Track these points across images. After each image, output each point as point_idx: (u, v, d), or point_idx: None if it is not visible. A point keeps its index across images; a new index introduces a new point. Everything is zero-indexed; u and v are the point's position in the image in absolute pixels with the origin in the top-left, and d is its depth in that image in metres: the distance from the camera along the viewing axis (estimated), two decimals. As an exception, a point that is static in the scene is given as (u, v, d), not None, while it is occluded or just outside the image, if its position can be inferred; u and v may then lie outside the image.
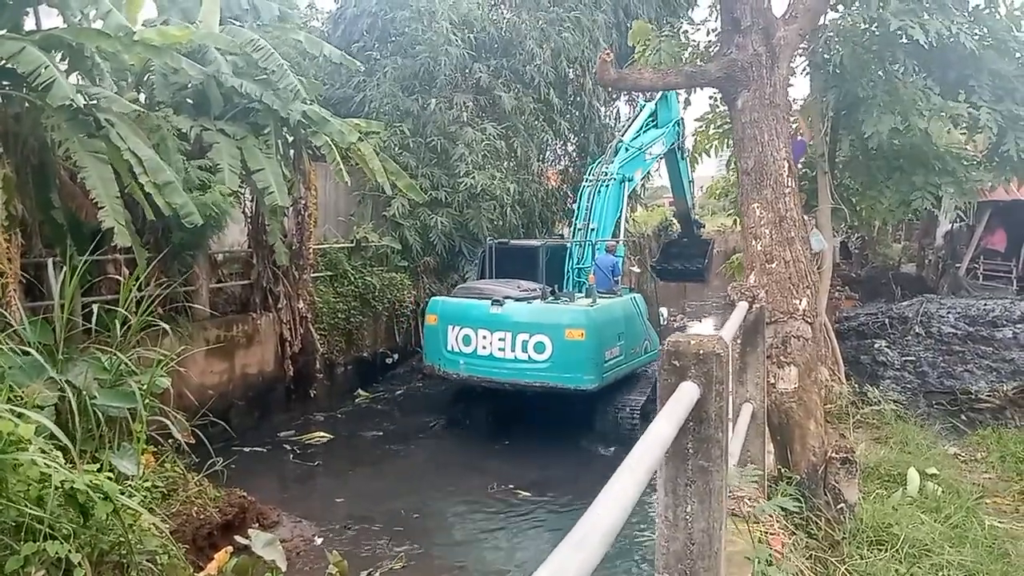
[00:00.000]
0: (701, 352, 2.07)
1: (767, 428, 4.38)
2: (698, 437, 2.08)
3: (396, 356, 15.19)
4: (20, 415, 3.92)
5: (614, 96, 21.35)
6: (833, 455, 4.31)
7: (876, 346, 9.13)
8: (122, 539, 4.46)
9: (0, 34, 7.72)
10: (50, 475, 4.05)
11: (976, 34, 7.26)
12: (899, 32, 6.58)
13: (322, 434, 11.31)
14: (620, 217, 13.79)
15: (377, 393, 14.05)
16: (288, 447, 10.91)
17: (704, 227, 20.36)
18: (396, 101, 15.92)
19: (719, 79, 5.15)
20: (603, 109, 21.28)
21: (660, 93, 14.71)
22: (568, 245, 13.85)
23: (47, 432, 6.12)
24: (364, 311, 14.18)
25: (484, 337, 11.08)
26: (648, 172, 16.45)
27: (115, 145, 8.03)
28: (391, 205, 14.68)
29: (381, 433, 11.95)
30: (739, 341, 4.16)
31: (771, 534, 3.82)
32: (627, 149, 14.29)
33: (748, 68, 4.93)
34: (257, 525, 7.67)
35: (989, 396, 7.48)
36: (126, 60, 9.19)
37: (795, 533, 4.05)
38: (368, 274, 14.35)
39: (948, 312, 9.63)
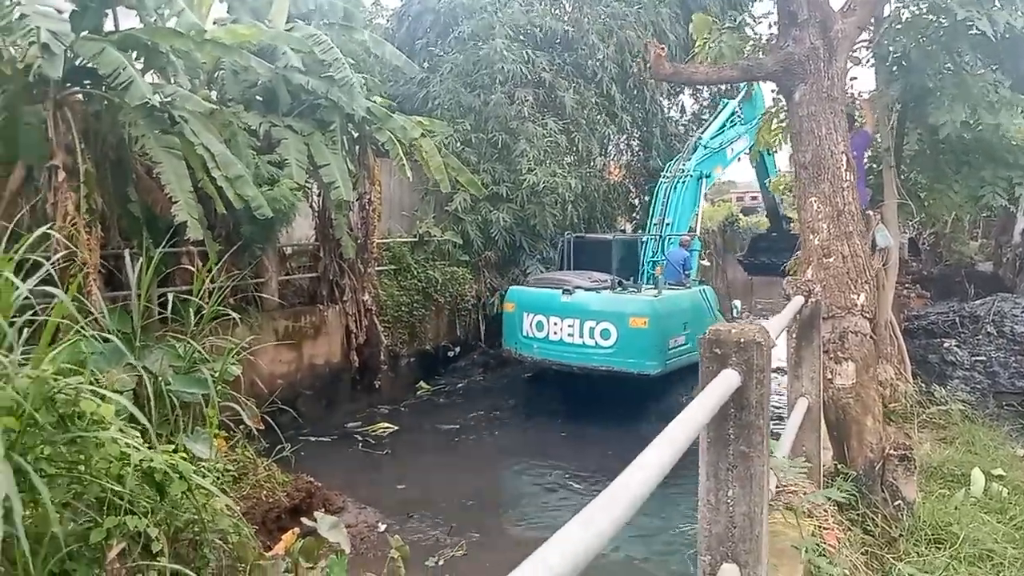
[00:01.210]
0: (742, 340, 2.12)
1: (823, 423, 4.37)
2: (739, 423, 2.13)
3: (458, 349, 15.40)
4: (102, 397, 4.15)
5: (678, 90, 21.17)
6: (891, 452, 4.27)
7: (945, 345, 8.88)
8: (196, 517, 4.67)
9: (82, 36, 8.07)
10: (129, 454, 4.27)
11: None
12: (967, 22, 6.41)
13: (387, 425, 11.55)
14: (697, 213, 14.59)
15: (439, 385, 14.26)
16: (353, 436, 11.17)
17: (793, 221, 20.24)
18: (458, 97, 16.07)
19: (775, 73, 5.12)
20: (667, 103, 21.12)
21: (744, 89, 14.68)
22: (641, 239, 14.68)
23: (126, 415, 6.44)
24: (427, 304, 14.41)
25: (555, 323, 12.00)
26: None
27: (189, 140, 8.34)
28: (453, 200, 14.86)
29: (444, 424, 12.15)
30: (795, 335, 4.15)
31: (825, 528, 3.81)
32: (705, 147, 14.72)
33: (805, 62, 4.89)
34: (323, 510, 7.87)
35: (1063, 397, 7.26)
36: (198, 58, 9.51)
37: (851, 529, 4.02)
38: (430, 268, 14.56)
39: (1022, 311, 9.33)
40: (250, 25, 10.25)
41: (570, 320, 11.89)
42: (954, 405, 7.20)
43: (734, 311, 13.74)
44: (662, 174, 15.51)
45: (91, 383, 5.76)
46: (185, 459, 4.70)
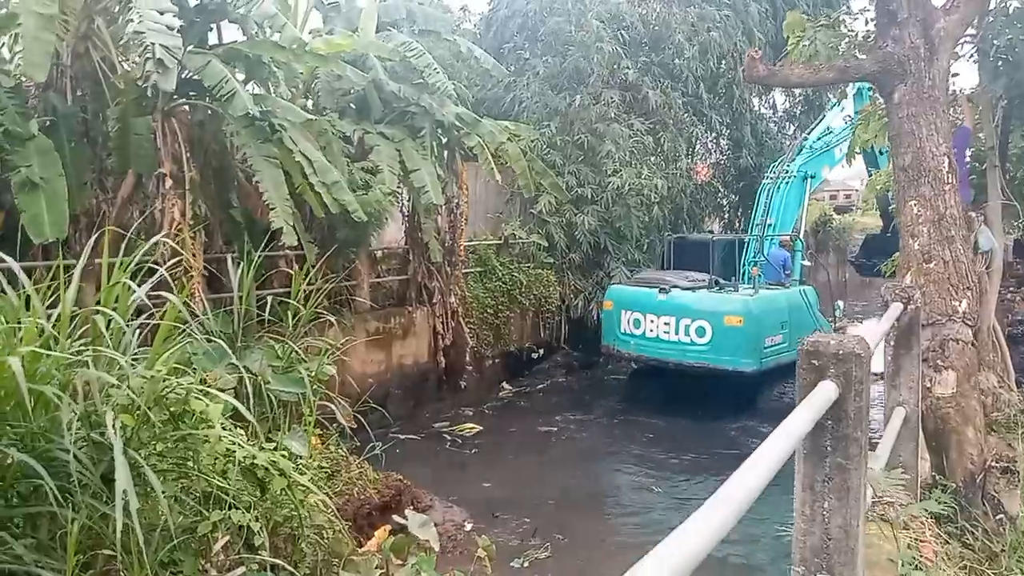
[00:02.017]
0: (841, 352, 2.12)
1: (921, 434, 4.25)
2: (836, 435, 2.13)
3: (541, 351, 15.48)
4: (209, 396, 4.38)
5: (769, 88, 20.76)
6: (993, 464, 4.13)
7: (1053, 352, 8.48)
8: (294, 512, 4.88)
9: (189, 49, 8.48)
10: (234, 451, 4.49)
11: None
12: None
13: (472, 425, 11.71)
14: (801, 213, 14.74)
15: (522, 386, 14.37)
16: (440, 435, 11.37)
17: None
18: (544, 99, 16.14)
19: (874, 73, 5.00)
20: (757, 101, 20.73)
21: (855, 89, 14.36)
22: (742, 239, 15.05)
23: (229, 413, 6.74)
24: (511, 306, 14.54)
25: (652, 321, 12.50)
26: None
27: (287, 149, 8.66)
28: (538, 203, 14.94)
29: (528, 424, 12.26)
30: (892, 343, 4.06)
31: (922, 541, 3.73)
32: (811, 148, 14.66)
33: (905, 61, 4.76)
34: (412, 508, 8.07)
35: None
36: (297, 69, 9.86)
37: (948, 542, 3.92)
38: (515, 270, 14.68)
39: None
40: (345, 35, 10.58)
41: (666, 318, 12.31)
42: (1063, 416, 6.87)
43: (836, 312, 13.68)
44: (765, 175, 15.68)
45: (199, 383, 6.08)
46: (285, 457, 4.91)
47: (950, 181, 4.68)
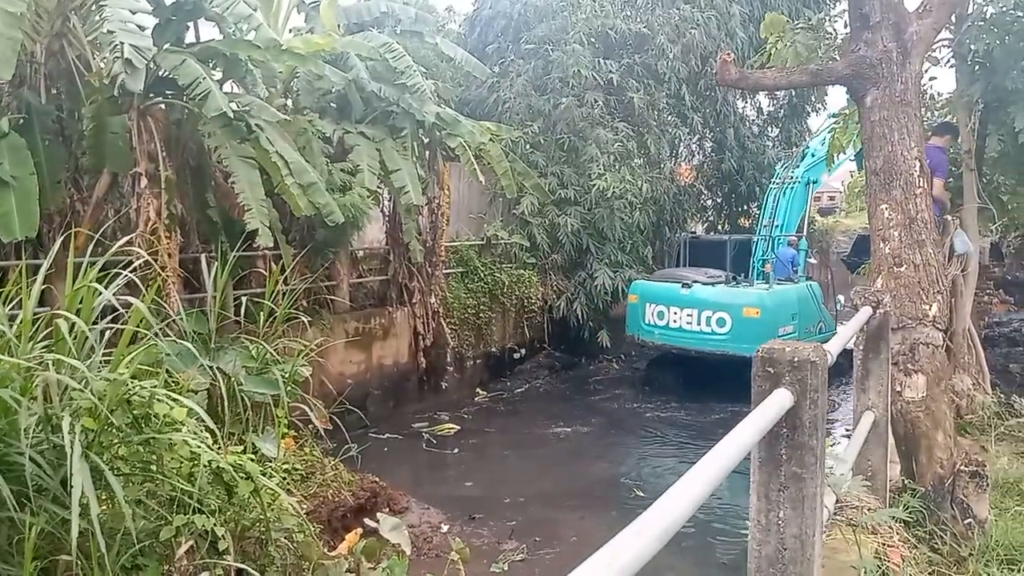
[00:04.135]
0: (796, 359, 2.09)
1: (891, 438, 4.25)
2: (791, 444, 2.11)
3: (523, 351, 15.45)
4: (175, 399, 4.32)
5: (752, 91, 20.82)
6: (962, 467, 4.12)
7: (1028, 354, 8.53)
8: (262, 517, 4.82)
9: (165, 48, 8.40)
10: (200, 455, 4.44)
11: None
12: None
13: (451, 425, 11.66)
14: (804, 216, 15.96)
15: (502, 388, 14.35)
16: (420, 436, 11.32)
17: None
18: (528, 101, 16.10)
19: (846, 76, 4.98)
20: (741, 103, 20.76)
21: None
22: (752, 239, 16.05)
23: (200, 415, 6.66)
24: (493, 307, 14.50)
25: (675, 313, 13.62)
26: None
27: (264, 149, 8.59)
28: (520, 204, 14.90)
29: (508, 425, 12.27)
30: (862, 347, 4.06)
31: (890, 547, 3.72)
32: (813, 154, 15.43)
33: (877, 65, 4.74)
34: (387, 510, 8.02)
35: None
36: (275, 68, 9.79)
37: (917, 547, 3.91)
38: (497, 271, 14.64)
39: (1113, 319, 8.90)
40: (325, 34, 10.52)
41: (689, 310, 13.41)
42: (1035, 418, 6.91)
43: (838, 304, 14.99)
44: (771, 181, 16.87)
45: (166, 385, 6.00)
46: (253, 460, 4.86)
47: (921, 185, 4.67)
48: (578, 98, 15.89)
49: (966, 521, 4.07)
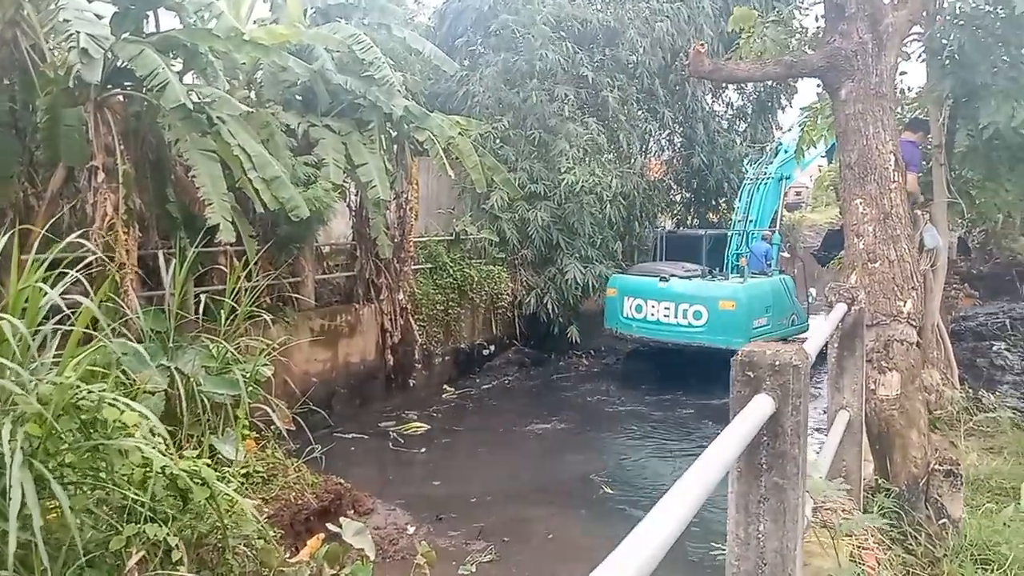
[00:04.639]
0: (777, 363, 1.98)
1: (865, 437, 4.18)
2: (772, 452, 1.99)
3: (493, 348, 15.34)
4: (126, 403, 4.12)
5: (722, 85, 20.82)
6: (936, 467, 4.06)
7: (994, 349, 8.54)
8: (219, 524, 4.64)
9: (123, 37, 8.12)
10: (152, 460, 4.24)
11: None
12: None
13: (419, 424, 11.50)
14: (777, 210, 16.35)
15: (471, 384, 14.20)
16: (387, 435, 11.14)
17: None
18: (498, 94, 15.95)
19: (821, 69, 4.90)
20: (710, 98, 20.78)
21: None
22: (727, 234, 16.59)
23: (157, 418, 6.43)
24: (462, 303, 14.37)
25: (653, 306, 13.95)
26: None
27: (226, 142, 8.36)
28: (490, 198, 14.75)
29: (478, 422, 12.13)
30: (836, 345, 3.97)
31: (865, 549, 3.65)
32: (786, 151, 15.64)
33: (852, 57, 4.67)
34: (352, 512, 7.87)
35: (1119, 407, 6.90)
36: (237, 59, 9.54)
37: (891, 548, 3.84)
38: (466, 266, 14.50)
39: (1077, 313, 8.97)
40: (289, 25, 10.27)
41: (666, 303, 13.75)
42: (1003, 412, 6.91)
43: (810, 298, 15.21)
44: (745, 177, 17.24)
45: (121, 386, 5.78)
46: (209, 465, 4.67)
47: (896, 179, 4.60)
48: (548, 92, 15.76)
49: (940, 521, 4.02)
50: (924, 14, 7.13)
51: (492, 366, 15.16)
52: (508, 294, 15.43)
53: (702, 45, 5.42)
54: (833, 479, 3.94)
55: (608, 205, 15.82)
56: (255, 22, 11.25)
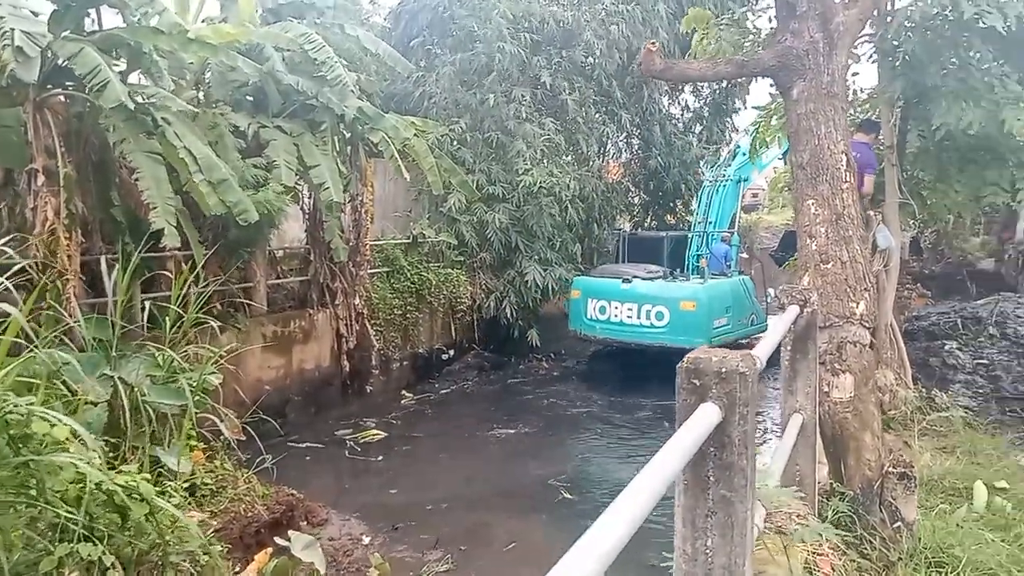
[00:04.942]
0: (723, 370, 1.89)
1: (819, 440, 4.13)
2: (719, 464, 1.90)
3: (452, 352, 15.18)
4: (57, 417, 3.93)
5: (679, 87, 20.94)
6: (890, 469, 4.03)
7: (947, 348, 8.63)
8: (159, 541, 4.46)
9: (63, 35, 7.86)
10: (86, 476, 4.05)
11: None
12: (976, 17, 6.17)
13: (376, 432, 11.30)
14: (736, 212, 16.65)
15: (430, 390, 14.03)
16: (343, 443, 10.93)
17: None
18: (454, 96, 15.82)
19: (773, 68, 4.86)
20: (667, 100, 20.86)
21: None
22: (687, 236, 16.90)
23: (97, 430, 6.19)
24: (420, 307, 14.18)
25: (616, 307, 14.13)
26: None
27: (171, 143, 8.13)
28: (447, 201, 14.60)
29: (435, 428, 11.94)
30: (789, 347, 3.92)
31: (819, 555, 3.59)
32: (744, 153, 15.71)
33: (804, 56, 4.63)
34: (306, 523, 7.69)
35: (1067, 404, 6.99)
36: (184, 58, 9.30)
37: (846, 553, 3.79)
38: (424, 270, 14.32)
39: (1026, 312, 9.10)
40: (238, 24, 10.04)
41: (629, 304, 13.96)
42: (955, 411, 6.96)
43: (768, 298, 15.24)
44: (704, 179, 17.61)
45: (60, 398, 5.53)
46: (148, 479, 4.48)
47: (848, 180, 4.57)
48: (506, 95, 15.68)
49: (895, 524, 3.98)
50: (876, 14, 7.18)
51: (451, 371, 15.00)
52: (467, 298, 15.27)
53: (653, 44, 5.36)
54: (788, 484, 3.89)
55: (568, 206, 15.77)
56: (204, 20, 11.00)
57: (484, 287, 15.64)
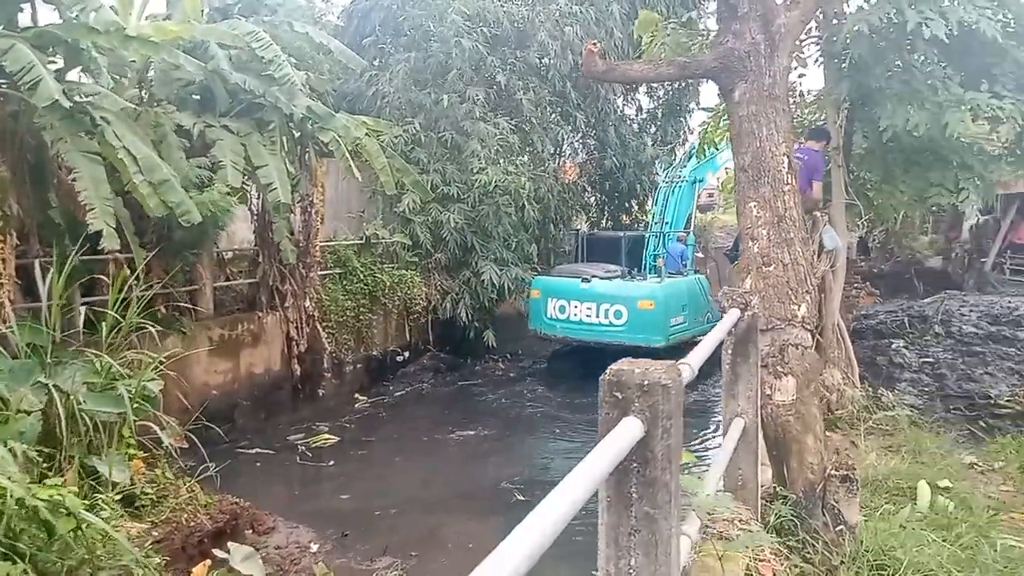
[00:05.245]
0: (646, 382, 1.82)
1: (760, 444, 4.10)
2: (643, 480, 1.83)
3: (407, 354, 15.03)
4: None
5: (632, 89, 20.98)
6: (833, 472, 4.02)
7: (893, 346, 8.72)
8: (88, 556, 4.29)
9: (-5, 31, 7.61)
10: (6, 491, 3.88)
11: (1001, 20, 6.89)
12: (919, 23, 6.22)
13: (327, 436, 11.11)
14: (692, 212, 17.04)
15: (384, 392, 13.86)
16: (295, 448, 10.73)
17: None
18: (408, 95, 15.66)
19: (714, 70, 4.83)
20: (621, 101, 20.90)
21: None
22: (644, 235, 17.24)
23: (31, 440, 5.97)
24: (374, 309, 14.00)
25: (575, 307, 14.26)
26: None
27: (110, 143, 7.90)
28: (402, 201, 14.44)
29: (389, 432, 11.79)
30: (730, 351, 3.89)
31: (761, 561, 3.56)
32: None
33: (745, 58, 4.60)
34: (252, 532, 7.52)
35: (1009, 401, 7.09)
36: (125, 56, 9.05)
37: (789, 558, 3.77)
38: (378, 271, 14.14)
39: (971, 310, 9.22)
40: (181, 22, 9.81)
41: (588, 303, 14.09)
42: (901, 410, 7.02)
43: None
44: (661, 180, 18.04)
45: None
46: (75, 492, 4.31)
47: (790, 182, 4.56)
48: (460, 94, 15.56)
49: (837, 528, 3.97)
50: (821, 16, 7.23)
51: (406, 373, 14.84)
52: (422, 299, 15.12)
53: (595, 45, 5.30)
54: (730, 489, 3.85)
55: (524, 205, 15.70)
56: (147, 18, 10.72)
57: (439, 288, 15.50)
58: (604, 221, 21.78)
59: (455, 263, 15.74)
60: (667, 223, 16.75)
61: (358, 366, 13.72)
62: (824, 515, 4.01)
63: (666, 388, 1.81)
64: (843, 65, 7.35)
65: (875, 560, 3.93)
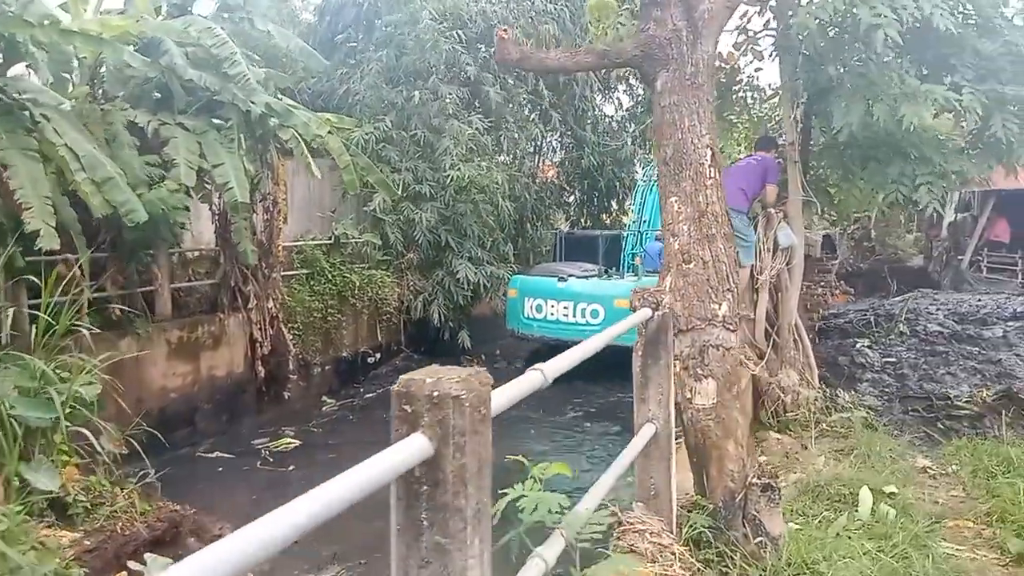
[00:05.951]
0: (436, 395, 1.62)
1: (675, 451, 3.90)
2: (433, 506, 1.63)
3: (378, 355, 14.81)
4: None
5: (612, 86, 20.78)
6: (754, 480, 3.82)
7: (857, 346, 8.52)
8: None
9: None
10: None
11: (958, 13, 6.71)
12: (875, 19, 6.02)
13: (289, 440, 10.89)
14: None
15: (353, 394, 13.64)
16: (257, 452, 10.50)
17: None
18: (380, 93, 15.44)
19: (636, 58, 4.62)
20: (599, 97, 20.70)
21: None
22: (622, 234, 17.42)
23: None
24: (343, 309, 13.76)
25: (552, 306, 14.32)
26: None
27: (50, 140, 7.69)
28: (372, 200, 14.23)
29: (357, 435, 11.57)
30: (640, 353, 3.69)
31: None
32: None
33: (667, 45, 4.40)
34: (195, 539, 7.30)
35: (967, 402, 6.88)
36: (70, 51, 8.83)
37: (704, 571, 3.57)
38: (347, 271, 13.92)
39: (938, 309, 9.03)
40: (131, 16, 9.59)
41: (565, 303, 14.14)
42: (856, 412, 6.82)
43: None
44: (640, 178, 18.24)
45: None
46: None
47: (712, 176, 4.35)
48: (432, 92, 15.34)
49: (757, 539, 3.77)
50: (775, 5, 7.03)
51: (378, 374, 14.60)
52: (394, 299, 14.90)
53: (506, 30, 5.10)
54: (642, 499, 3.65)
55: (500, 202, 15.50)
56: (101, 13, 10.50)
57: (412, 288, 15.28)
58: (583, 220, 21.59)
59: (428, 263, 15.52)
60: (645, 222, 16.73)
61: (326, 368, 13.49)
62: (744, 526, 3.81)
63: (458, 400, 1.61)
64: (799, 59, 7.16)
65: (795, 573, 3.73)
